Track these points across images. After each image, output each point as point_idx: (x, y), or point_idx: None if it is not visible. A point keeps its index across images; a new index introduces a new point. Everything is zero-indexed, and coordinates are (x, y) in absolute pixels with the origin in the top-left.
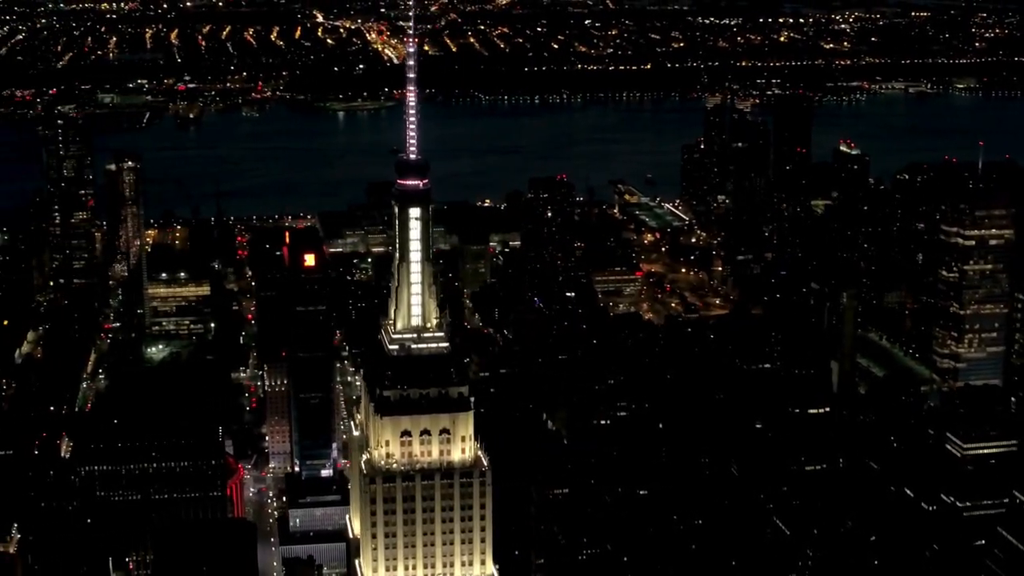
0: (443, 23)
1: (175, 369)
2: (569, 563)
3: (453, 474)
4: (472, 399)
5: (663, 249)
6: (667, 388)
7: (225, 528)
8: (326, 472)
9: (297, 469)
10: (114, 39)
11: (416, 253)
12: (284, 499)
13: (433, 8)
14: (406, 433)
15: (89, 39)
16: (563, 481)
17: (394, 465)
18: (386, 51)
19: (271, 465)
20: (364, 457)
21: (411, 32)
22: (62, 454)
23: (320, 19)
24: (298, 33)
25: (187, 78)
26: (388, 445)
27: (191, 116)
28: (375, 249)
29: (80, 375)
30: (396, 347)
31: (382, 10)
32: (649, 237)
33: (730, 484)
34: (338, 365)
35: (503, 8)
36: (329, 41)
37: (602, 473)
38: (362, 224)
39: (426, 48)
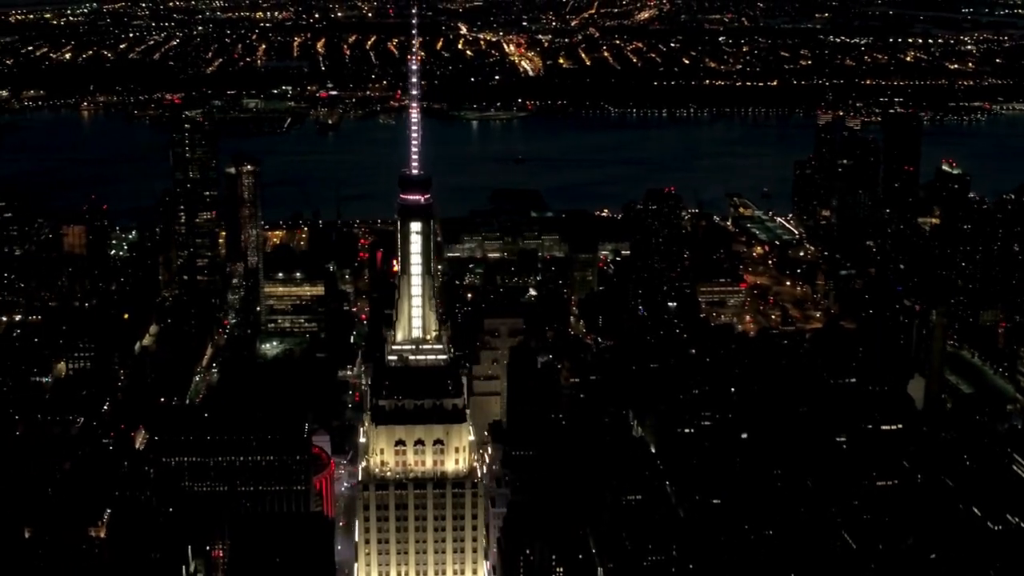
0: (580, 37)
1: (286, 365)
2: (634, 569)
3: (445, 484)
4: (467, 411)
5: (771, 262)
6: (752, 399)
7: (303, 521)
8: None
9: None
10: (263, 47)
11: (417, 267)
12: None
13: (574, 22)
14: (400, 442)
15: (239, 46)
16: (638, 487)
17: (388, 473)
18: (522, 63)
19: None
20: (362, 464)
21: (414, 48)
22: (136, 445)
23: (464, 31)
24: (440, 44)
25: (329, 85)
26: (383, 453)
27: (330, 122)
28: (491, 255)
29: (194, 368)
30: (394, 358)
31: (523, 24)
32: (759, 250)
33: (803, 496)
34: None
35: (642, 24)
36: (468, 53)
37: (679, 481)
38: (480, 230)
39: (561, 61)
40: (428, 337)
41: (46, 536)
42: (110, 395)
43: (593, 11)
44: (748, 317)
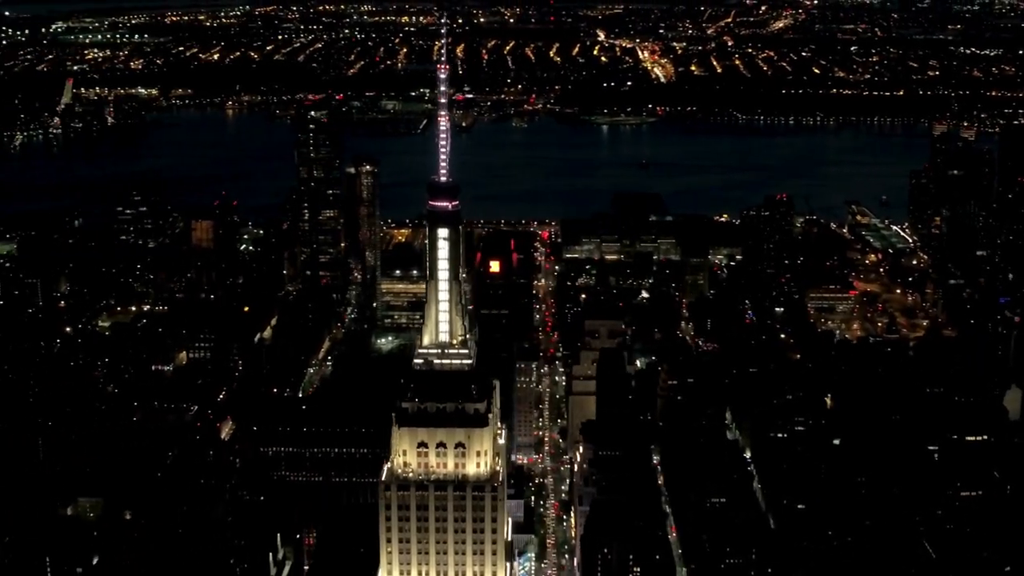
0: (713, 45)
1: (398, 360)
2: (713, 570)
3: (465, 487)
4: (490, 415)
5: (883, 270)
6: (847, 406)
7: None
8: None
9: None
10: (404, 50)
11: (444, 272)
12: None
13: (710, 30)
14: (422, 444)
15: (381, 50)
16: (723, 490)
17: (410, 474)
18: (655, 70)
19: None
20: (387, 465)
21: (442, 59)
22: (222, 436)
23: (602, 37)
24: (576, 50)
25: (466, 88)
26: (406, 455)
27: (464, 124)
28: (608, 257)
29: (309, 361)
30: (420, 361)
31: (660, 31)
32: (872, 257)
33: (888, 504)
34: (547, 367)
35: (776, 33)
36: (603, 59)
37: (768, 485)
38: (599, 232)
39: (692, 68)
40: (454, 341)
41: (142, 520)
42: (226, 385)
43: (730, 20)
44: (856, 324)
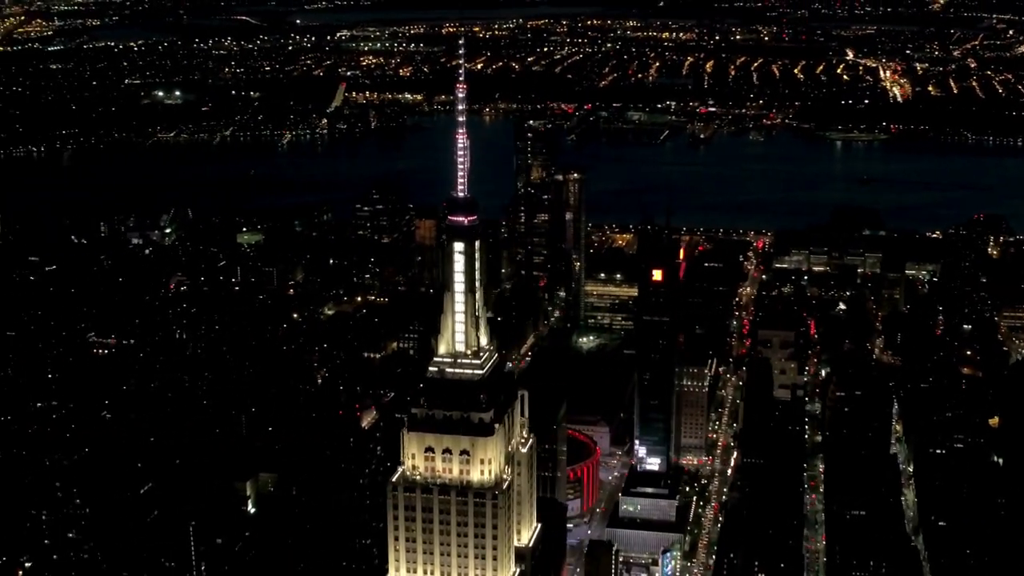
0: (953, 67)
1: (597, 358)
2: None
3: (468, 493)
4: (497, 425)
5: None
6: (1012, 426)
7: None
8: (659, 467)
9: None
10: (656, 64)
11: (460, 284)
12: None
13: (955, 52)
14: (429, 449)
15: (635, 63)
16: (867, 503)
17: (417, 477)
18: (893, 89)
19: (638, 455)
20: (400, 467)
21: (461, 77)
22: (363, 425)
23: (850, 56)
24: (820, 68)
25: (710, 102)
26: (415, 458)
27: (703, 136)
28: (815, 268)
29: (510, 355)
30: (434, 369)
31: (907, 52)
32: None
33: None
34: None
35: (1020, 56)
36: (845, 77)
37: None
38: (808, 244)
39: (930, 88)
40: (468, 352)
41: (303, 497)
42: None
43: (976, 42)
44: None
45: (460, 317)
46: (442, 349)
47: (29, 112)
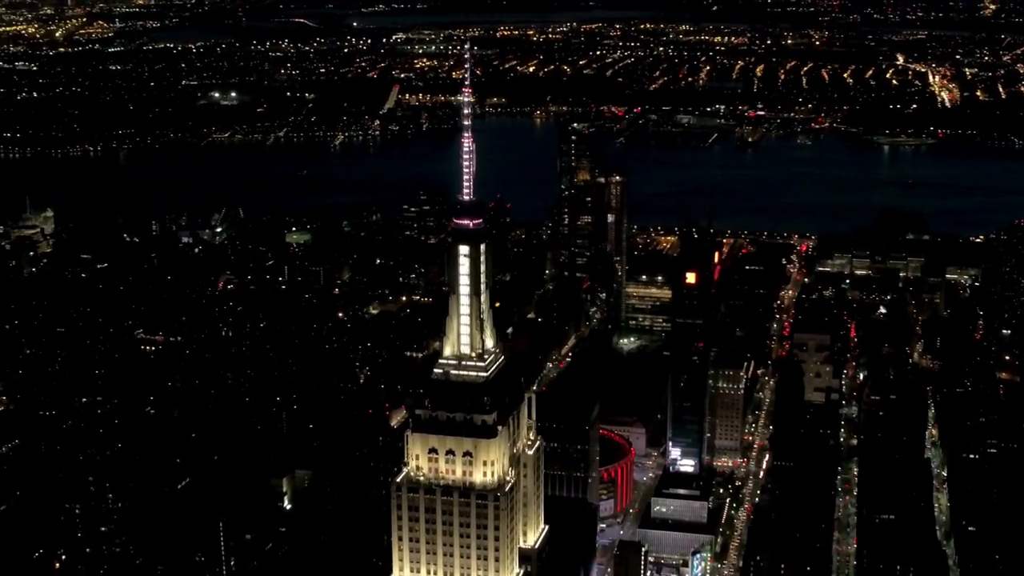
0: (1002, 72)
1: (636, 360)
2: None
3: (470, 494)
4: (500, 427)
5: None
6: None
7: (569, 505)
8: (692, 468)
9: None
10: (707, 68)
11: (464, 287)
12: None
13: (1005, 58)
14: (433, 450)
15: (685, 67)
16: (895, 507)
17: (421, 478)
18: (941, 94)
19: (671, 457)
20: (404, 468)
21: (466, 82)
22: (392, 423)
23: (900, 61)
24: (869, 73)
25: (759, 106)
26: (418, 459)
27: (750, 140)
28: (858, 271)
29: (549, 356)
30: (439, 371)
31: (957, 57)
32: None
33: None
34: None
35: None
36: (894, 81)
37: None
38: (852, 248)
39: (978, 93)
40: (473, 354)
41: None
42: None
43: None
44: None
45: (465, 320)
46: (447, 351)
47: (87, 112)
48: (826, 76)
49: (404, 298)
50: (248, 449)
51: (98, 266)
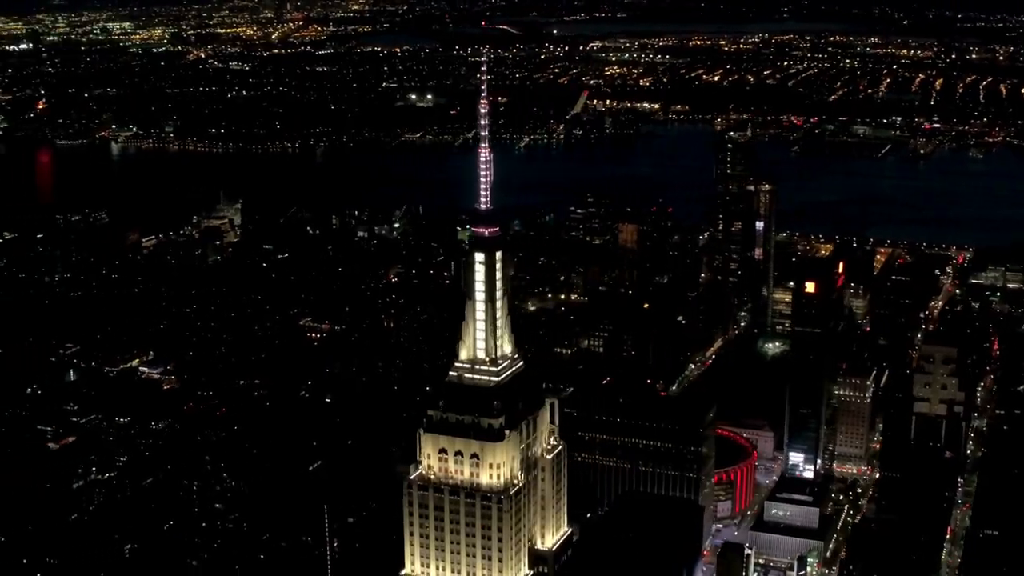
0: None
1: (780, 364)
2: None
3: (476, 495)
4: (507, 431)
5: None
6: None
7: (675, 505)
8: (808, 474)
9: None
10: (887, 80)
11: (480, 293)
12: None
13: None
14: (443, 451)
15: (866, 79)
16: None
17: (432, 477)
18: None
19: (791, 462)
20: (417, 466)
21: (483, 91)
22: None
23: None
24: None
25: (935, 119)
26: (430, 459)
27: (923, 152)
28: (1010, 285)
29: (693, 358)
30: (454, 374)
31: None
32: None
33: None
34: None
35: None
36: None
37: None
38: (1005, 261)
39: None
40: (486, 359)
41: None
42: (608, 373)
43: None
44: None
45: (480, 325)
46: (463, 355)
47: (290, 111)
48: (1004, 91)
49: (561, 296)
50: (387, 436)
51: (278, 256)
